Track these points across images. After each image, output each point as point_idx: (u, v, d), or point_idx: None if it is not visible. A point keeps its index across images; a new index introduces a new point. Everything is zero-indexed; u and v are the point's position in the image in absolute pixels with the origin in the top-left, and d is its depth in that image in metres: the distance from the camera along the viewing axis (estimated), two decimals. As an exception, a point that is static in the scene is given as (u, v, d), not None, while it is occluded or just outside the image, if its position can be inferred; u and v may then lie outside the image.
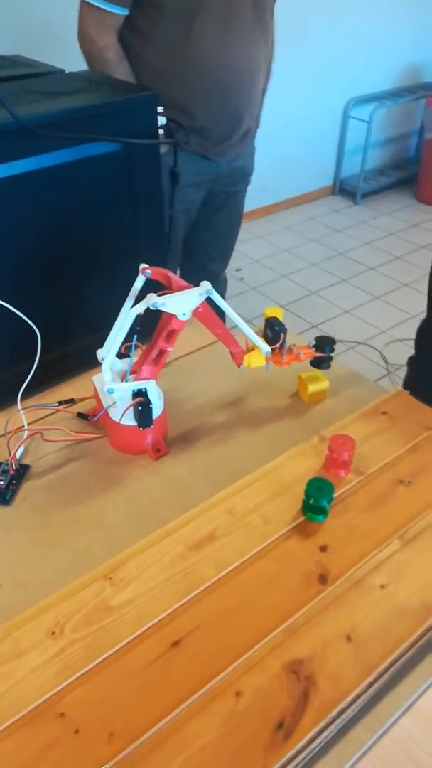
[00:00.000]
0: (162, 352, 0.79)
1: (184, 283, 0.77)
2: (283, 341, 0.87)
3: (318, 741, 0.53)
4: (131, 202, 0.90)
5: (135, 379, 0.79)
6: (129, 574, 0.64)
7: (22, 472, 0.79)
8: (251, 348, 0.87)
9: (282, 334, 0.86)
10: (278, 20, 1.50)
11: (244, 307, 2.60)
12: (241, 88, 1.41)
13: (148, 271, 0.76)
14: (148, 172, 0.89)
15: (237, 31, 1.34)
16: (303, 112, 3.26)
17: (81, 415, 0.87)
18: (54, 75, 0.98)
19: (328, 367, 0.90)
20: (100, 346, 0.90)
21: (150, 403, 0.78)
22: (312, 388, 0.90)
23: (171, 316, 0.75)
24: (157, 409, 0.81)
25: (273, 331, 0.87)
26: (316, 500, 0.69)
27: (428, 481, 0.75)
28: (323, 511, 0.70)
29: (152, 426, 0.80)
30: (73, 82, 0.90)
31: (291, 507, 0.72)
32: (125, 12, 1.33)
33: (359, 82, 3.42)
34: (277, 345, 0.86)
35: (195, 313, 0.78)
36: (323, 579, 0.64)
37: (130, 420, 0.80)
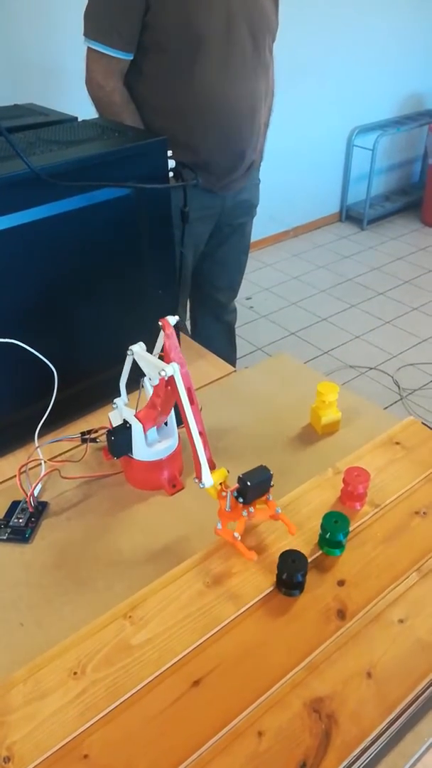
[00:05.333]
0: (154, 404, 0.77)
1: (174, 352, 0.71)
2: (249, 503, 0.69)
3: (342, 781, 0.53)
4: (143, 243, 0.93)
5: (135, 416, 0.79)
6: (148, 613, 0.65)
7: (40, 509, 0.81)
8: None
9: (255, 500, 0.69)
10: (281, 52, 1.55)
11: (254, 336, 2.63)
12: (243, 123, 1.45)
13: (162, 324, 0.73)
14: (159, 214, 0.92)
15: (237, 70, 1.39)
16: (308, 142, 3.32)
17: (85, 439, 0.88)
18: (67, 123, 1.02)
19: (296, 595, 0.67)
20: (114, 383, 0.92)
21: (126, 437, 0.78)
22: (325, 419, 0.91)
23: None
24: (171, 445, 0.82)
25: (245, 489, 0.67)
26: (333, 534, 0.69)
27: (444, 512, 0.76)
28: (340, 545, 0.70)
29: (166, 461, 0.82)
30: (85, 130, 0.93)
31: (308, 541, 0.72)
32: (130, 56, 1.38)
33: (362, 111, 3.49)
34: (240, 501, 0.69)
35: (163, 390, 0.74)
36: (341, 614, 0.64)
37: (145, 455, 0.81)
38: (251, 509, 0.70)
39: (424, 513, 0.76)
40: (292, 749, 0.54)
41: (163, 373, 0.70)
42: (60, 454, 0.89)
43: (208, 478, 0.70)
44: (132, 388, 0.84)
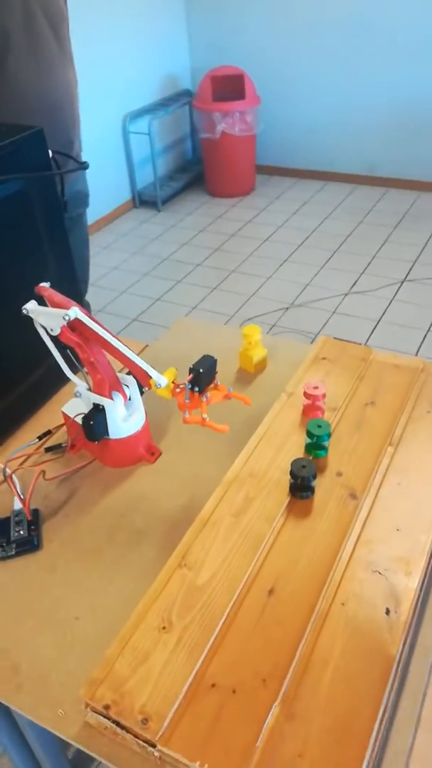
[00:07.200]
0: (91, 364, 0.79)
1: (60, 299, 0.76)
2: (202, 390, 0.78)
3: (416, 613, 0.63)
4: (41, 236, 0.92)
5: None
6: (198, 557, 0.69)
7: (35, 517, 0.79)
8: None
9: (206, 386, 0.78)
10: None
11: (99, 330, 2.62)
12: (65, 113, 1.46)
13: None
14: (51, 205, 0.92)
15: (46, 62, 1.39)
16: (86, 134, 3.32)
17: (50, 449, 0.88)
18: None
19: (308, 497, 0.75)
20: (47, 379, 0.91)
21: (101, 419, 0.80)
22: (256, 358, 1.00)
23: None
24: (141, 417, 0.85)
25: (199, 377, 0.76)
26: (319, 438, 0.79)
27: (386, 397, 0.90)
28: (325, 447, 0.80)
29: (141, 432, 0.85)
30: None
31: (297, 453, 0.81)
32: None
33: (131, 98, 3.59)
34: (196, 390, 0.78)
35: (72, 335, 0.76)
36: (353, 496, 0.75)
37: (121, 432, 0.83)
38: (208, 395, 0.79)
39: (372, 403, 0.89)
40: (375, 604, 0.63)
41: (67, 317, 0.73)
42: (24, 461, 0.87)
43: (161, 378, 0.77)
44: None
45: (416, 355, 2.39)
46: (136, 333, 2.61)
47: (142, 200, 3.88)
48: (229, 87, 3.61)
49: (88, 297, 2.46)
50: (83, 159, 1.69)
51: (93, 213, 3.55)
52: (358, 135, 3.80)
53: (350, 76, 3.64)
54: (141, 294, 2.94)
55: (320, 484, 0.77)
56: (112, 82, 3.42)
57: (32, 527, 0.77)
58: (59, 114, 1.42)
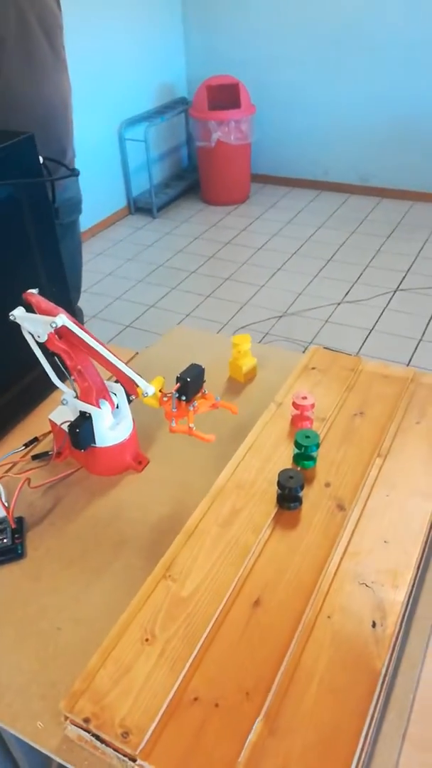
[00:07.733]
0: (78, 371, 0.78)
1: (47, 306, 0.75)
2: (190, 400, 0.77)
3: (402, 626, 0.63)
4: (32, 242, 0.91)
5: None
6: (184, 567, 0.68)
7: (19, 525, 0.78)
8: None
9: (194, 396, 0.77)
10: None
11: (92, 337, 2.61)
12: (59, 119, 1.46)
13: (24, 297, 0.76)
14: (42, 211, 0.92)
15: (40, 70, 1.39)
16: (82, 140, 3.33)
17: (37, 456, 0.87)
18: None
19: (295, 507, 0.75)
20: (34, 386, 0.91)
21: (87, 427, 0.79)
22: (246, 367, 0.99)
23: None
24: (129, 425, 0.84)
25: (186, 385, 0.76)
26: (307, 449, 0.78)
27: (374, 408, 0.89)
28: (313, 458, 0.80)
29: (128, 440, 0.84)
30: None
31: (284, 464, 0.81)
32: None
33: (127, 106, 3.60)
34: (183, 399, 0.77)
35: (60, 342, 0.75)
36: (341, 507, 0.74)
37: (108, 440, 0.82)
38: (195, 404, 0.78)
39: (361, 413, 0.88)
40: (361, 617, 0.62)
41: (54, 324, 0.72)
42: (10, 468, 0.86)
43: (148, 386, 0.76)
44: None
45: (408, 364, 2.39)
46: (129, 339, 2.61)
47: (138, 207, 3.88)
48: (225, 96, 3.62)
49: (82, 303, 2.48)
50: (76, 166, 1.69)
51: (88, 219, 3.56)
52: (351, 145, 3.82)
53: (344, 86, 3.66)
54: (135, 300, 2.94)
55: (308, 495, 0.76)
56: (109, 90, 3.43)
57: (16, 536, 0.76)
58: (52, 122, 1.42)
